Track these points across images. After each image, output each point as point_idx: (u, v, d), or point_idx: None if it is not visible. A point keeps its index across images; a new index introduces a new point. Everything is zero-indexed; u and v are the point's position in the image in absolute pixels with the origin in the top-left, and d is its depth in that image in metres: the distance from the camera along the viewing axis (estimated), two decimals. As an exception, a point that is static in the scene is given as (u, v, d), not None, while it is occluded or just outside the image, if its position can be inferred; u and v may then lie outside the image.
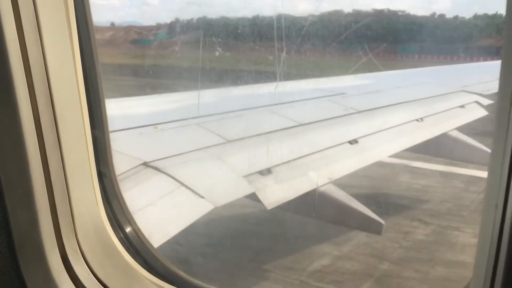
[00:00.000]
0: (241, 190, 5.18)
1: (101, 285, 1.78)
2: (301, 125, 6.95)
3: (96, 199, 1.83)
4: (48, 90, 1.52)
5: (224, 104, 7.95)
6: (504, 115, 0.87)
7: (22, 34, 1.42)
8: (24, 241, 1.64)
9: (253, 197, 5.22)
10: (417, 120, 8.23)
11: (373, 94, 9.71)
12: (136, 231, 2.06)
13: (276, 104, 7.93)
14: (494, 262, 0.88)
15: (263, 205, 5.17)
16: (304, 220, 7.89)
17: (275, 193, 5.39)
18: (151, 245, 2.08)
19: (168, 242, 3.99)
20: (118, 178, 4.39)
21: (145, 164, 4.80)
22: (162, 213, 4.38)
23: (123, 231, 2.01)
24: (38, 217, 1.59)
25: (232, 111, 7.25)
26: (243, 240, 8.50)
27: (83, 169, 1.74)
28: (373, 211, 6.36)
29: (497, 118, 0.90)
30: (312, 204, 6.00)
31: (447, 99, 9.43)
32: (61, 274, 1.69)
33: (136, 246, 2.02)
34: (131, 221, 2.06)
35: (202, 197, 4.66)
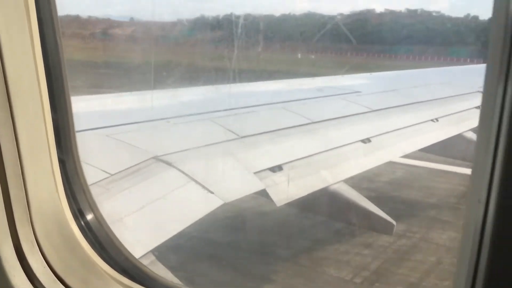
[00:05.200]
0: (252, 186, 5.17)
1: (57, 279, 1.65)
2: (313, 122, 6.92)
3: (56, 186, 1.70)
4: (1, 70, 1.43)
5: (240, 100, 7.95)
6: (488, 112, 0.88)
7: None
8: None
9: (263, 193, 5.21)
10: (432, 120, 8.13)
11: (388, 93, 9.62)
12: (99, 219, 1.89)
13: (290, 101, 7.91)
14: (477, 256, 0.89)
15: (273, 201, 5.16)
16: (313, 218, 7.87)
17: (286, 190, 5.37)
18: (115, 236, 1.93)
19: (175, 236, 4.00)
20: (125, 172, 4.42)
21: (156, 157, 4.82)
22: (171, 207, 4.40)
23: (84, 219, 1.85)
24: None
25: (247, 107, 7.25)
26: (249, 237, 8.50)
27: (40, 153, 1.61)
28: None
29: (481, 114, 0.92)
30: (322, 203, 5.97)
31: (463, 100, 9.30)
32: (13, 266, 1.56)
33: (97, 236, 1.86)
34: (94, 209, 1.89)
35: (212, 192, 4.67)
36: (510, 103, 0.84)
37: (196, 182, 4.68)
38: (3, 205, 1.52)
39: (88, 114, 5.68)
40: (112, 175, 4.31)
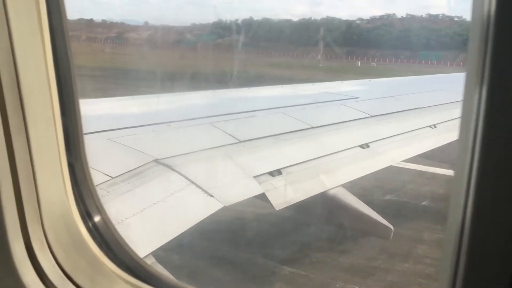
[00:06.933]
0: (251, 190, 5.22)
1: (66, 277, 1.71)
2: (312, 127, 6.98)
3: (65, 188, 1.77)
4: (14, 74, 1.50)
5: (240, 104, 8.02)
6: (466, 117, 0.92)
7: None
8: None
9: (262, 197, 5.25)
10: (430, 126, 8.19)
11: (387, 99, 9.69)
12: (106, 221, 1.96)
13: (289, 106, 7.97)
14: (457, 254, 0.93)
15: (272, 205, 5.20)
16: (311, 222, 7.91)
17: (284, 195, 5.41)
18: (121, 237, 2.00)
19: (176, 239, 4.05)
20: (126, 175, 4.47)
21: (157, 161, 4.87)
22: (172, 210, 4.45)
23: (92, 221, 1.91)
24: (1, 205, 1.54)
25: (247, 112, 7.31)
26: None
27: (51, 157, 1.68)
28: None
29: (461, 118, 0.95)
30: (321, 207, 6.02)
31: (459, 106, 9.33)
32: (24, 264, 1.62)
33: (104, 237, 1.93)
34: (101, 211, 1.96)
35: (212, 195, 4.72)
36: (485, 107, 0.87)
37: (196, 185, 4.73)
38: (15, 206, 1.58)
39: (90, 118, 5.73)
40: (113, 178, 4.36)
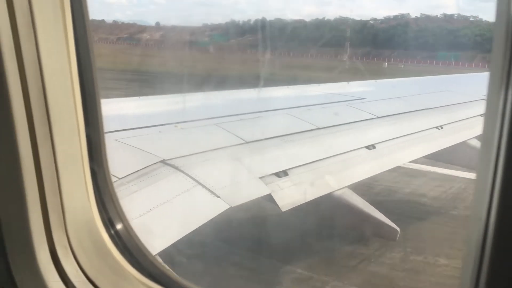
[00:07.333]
0: (257, 191, 5.22)
1: (89, 282, 1.76)
2: (318, 128, 6.97)
3: (88, 195, 1.81)
4: (41, 85, 1.53)
5: (246, 105, 8.02)
6: (490, 120, 0.91)
7: (16, 30, 1.43)
8: (13, 235, 1.64)
9: (268, 198, 5.25)
10: (436, 127, 8.17)
11: (393, 100, 9.66)
12: (128, 228, 2.00)
13: (295, 107, 7.97)
14: (480, 257, 0.93)
15: (278, 206, 5.20)
16: (318, 223, 7.90)
17: (291, 196, 5.41)
18: (142, 243, 2.03)
19: (182, 239, 4.06)
20: (133, 176, 4.49)
21: (163, 161, 4.88)
22: (178, 211, 4.45)
23: (114, 228, 1.96)
24: (28, 211, 1.58)
25: (253, 113, 7.31)
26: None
27: (75, 165, 1.73)
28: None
29: (484, 123, 0.94)
30: (327, 208, 6.01)
31: (468, 107, 9.32)
32: (49, 269, 1.68)
33: (126, 243, 1.97)
34: (122, 218, 2.00)
35: (218, 196, 4.72)
36: (511, 110, 0.86)
37: (203, 186, 4.74)
38: (41, 213, 1.64)
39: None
40: (120, 178, 4.37)
